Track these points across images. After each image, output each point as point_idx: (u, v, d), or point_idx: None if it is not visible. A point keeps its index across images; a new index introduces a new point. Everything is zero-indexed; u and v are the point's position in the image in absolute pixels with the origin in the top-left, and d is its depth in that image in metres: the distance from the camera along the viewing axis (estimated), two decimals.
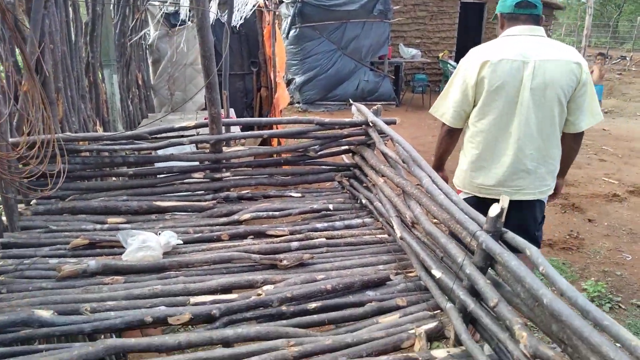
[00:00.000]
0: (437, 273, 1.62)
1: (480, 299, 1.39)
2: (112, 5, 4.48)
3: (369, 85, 11.74)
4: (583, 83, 2.27)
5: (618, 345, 0.97)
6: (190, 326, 1.63)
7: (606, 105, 12.20)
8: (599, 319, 0.98)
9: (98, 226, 2.22)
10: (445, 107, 2.48)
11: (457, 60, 9.25)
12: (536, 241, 2.58)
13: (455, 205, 1.61)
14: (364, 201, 2.49)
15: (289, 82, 11.81)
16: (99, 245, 2.05)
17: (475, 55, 2.36)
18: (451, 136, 2.53)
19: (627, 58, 20.14)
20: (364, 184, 2.61)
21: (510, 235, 1.39)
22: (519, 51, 2.26)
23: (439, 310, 1.61)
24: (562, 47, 2.33)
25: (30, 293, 1.70)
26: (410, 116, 10.70)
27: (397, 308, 1.69)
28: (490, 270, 1.46)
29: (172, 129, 2.48)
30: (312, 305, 1.69)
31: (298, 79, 11.51)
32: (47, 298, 1.64)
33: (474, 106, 2.38)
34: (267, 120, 2.72)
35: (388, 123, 2.52)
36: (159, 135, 2.52)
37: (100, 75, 3.87)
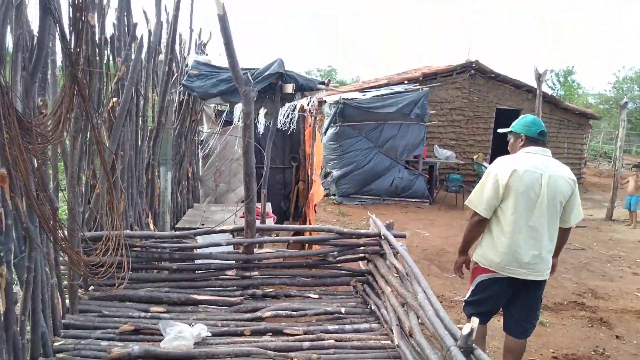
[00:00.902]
0: None
1: None
2: (174, 110, 5.21)
3: (403, 182, 12.19)
4: (574, 193, 3.02)
5: None
6: None
7: None
8: None
9: (142, 314, 2.61)
10: (479, 200, 3.05)
11: (491, 162, 9.59)
12: (537, 316, 3.21)
13: (440, 321, 1.91)
14: (372, 307, 2.79)
15: (326, 175, 12.45)
16: (142, 331, 2.43)
17: (505, 163, 3.05)
18: (481, 225, 3.08)
19: None
20: (375, 290, 2.92)
21: (478, 351, 1.67)
22: (538, 165, 2.98)
23: None
24: (562, 165, 3.10)
25: None
26: (442, 215, 10.91)
27: None
28: None
29: (213, 231, 2.92)
30: None
31: (335, 173, 12.12)
32: None
33: (501, 202, 3.00)
34: (294, 227, 3.12)
35: (397, 237, 2.87)
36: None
37: (157, 173, 4.44)
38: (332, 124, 12.06)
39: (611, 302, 6.08)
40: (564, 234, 3.17)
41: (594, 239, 9.69)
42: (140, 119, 3.97)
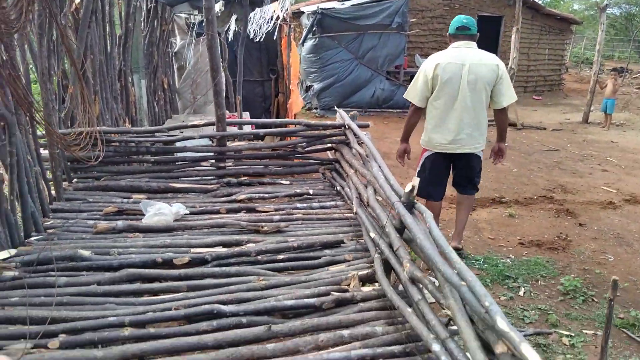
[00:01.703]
0: (373, 234, 2.16)
1: (395, 250, 1.92)
2: (142, 19, 5.15)
3: (385, 93, 12.23)
4: (500, 77, 3.49)
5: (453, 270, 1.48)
6: (188, 267, 2.19)
7: (618, 119, 12.34)
8: (445, 249, 1.50)
9: (125, 200, 2.83)
10: (413, 92, 3.64)
11: None
12: (474, 183, 3.90)
13: (390, 187, 2.15)
14: (338, 188, 3.04)
15: (307, 89, 12.41)
16: (125, 212, 2.66)
17: (432, 59, 3.59)
18: (416, 113, 3.72)
19: None
20: (341, 175, 3.15)
21: (419, 205, 1.91)
22: (459, 56, 3.47)
23: (373, 262, 2.14)
24: (487, 54, 3.55)
25: (74, 241, 2.32)
26: (422, 123, 11.09)
27: (344, 261, 2.23)
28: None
29: (186, 126, 3.08)
30: (281, 256, 2.25)
31: (316, 86, 12.08)
32: (86, 244, 2.25)
33: (432, 92, 3.55)
34: (264, 122, 3.28)
35: (361, 127, 3.06)
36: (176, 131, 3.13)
37: (130, 80, 4.51)
38: (310, 36, 11.84)
39: (579, 195, 6.39)
40: (499, 115, 3.71)
41: (568, 140, 10.03)
42: (107, 24, 3.98)
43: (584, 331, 3.27)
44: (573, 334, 3.21)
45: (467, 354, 1.23)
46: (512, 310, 3.49)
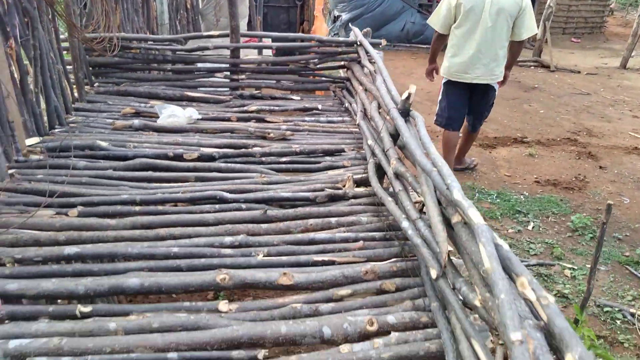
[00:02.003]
0: (371, 142, 2.27)
1: (386, 151, 2.03)
2: None
3: (415, 27, 11.82)
4: (523, 9, 3.52)
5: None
6: (197, 162, 2.36)
7: None
8: (428, 147, 1.61)
9: (142, 104, 2.98)
10: (437, 19, 3.75)
11: None
12: (483, 116, 4.08)
13: (389, 95, 2.22)
14: (347, 105, 3.12)
15: (335, 19, 12.12)
16: (142, 114, 2.82)
17: None
18: (440, 39, 3.87)
19: None
20: (351, 93, 3.22)
21: (414, 112, 2.00)
22: None
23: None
24: None
25: (94, 135, 2.50)
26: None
27: (343, 167, 2.36)
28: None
29: (201, 36, 3.16)
30: (284, 159, 2.40)
31: (344, 16, 11.76)
32: (105, 137, 2.44)
33: (455, 21, 3.63)
34: (276, 35, 3.31)
35: (373, 45, 3.08)
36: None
37: None
38: None
39: (604, 140, 6.18)
40: (515, 46, 3.79)
41: (602, 85, 9.66)
42: None
43: (587, 266, 3.32)
44: (575, 267, 3.29)
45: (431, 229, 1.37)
46: (518, 242, 3.56)
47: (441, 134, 4.33)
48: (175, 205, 1.94)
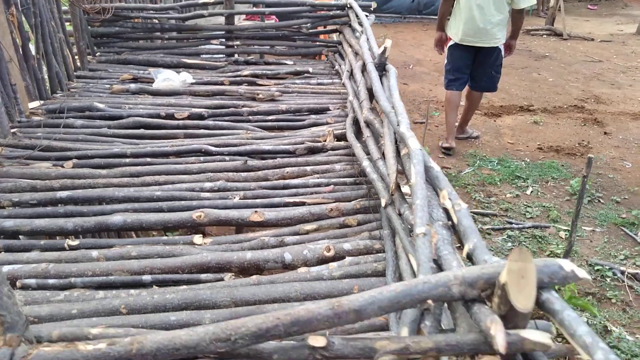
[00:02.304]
0: (351, 98, 2.36)
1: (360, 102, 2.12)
2: None
3: None
4: None
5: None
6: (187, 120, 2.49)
7: None
8: (393, 94, 1.69)
9: (141, 71, 3.11)
10: None
11: None
12: (493, 76, 4.16)
13: (370, 52, 2.30)
14: (337, 67, 3.19)
15: None
16: (139, 80, 2.95)
17: None
18: (446, 3, 3.98)
19: None
20: (342, 56, 3.29)
21: (389, 66, 2.07)
22: None
23: None
24: None
25: (92, 98, 2.65)
26: None
27: (326, 124, 2.46)
28: None
29: (196, 4, 3.25)
30: (270, 117, 2.50)
31: None
32: (102, 99, 2.58)
33: None
34: (271, 1, 3.38)
35: (363, 7, 3.14)
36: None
37: None
38: None
39: (612, 106, 6.08)
40: (516, 16, 3.94)
41: (615, 52, 9.43)
42: None
43: (583, 227, 3.39)
44: (570, 229, 3.37)
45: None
46: (515, 206, 3.61)
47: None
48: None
